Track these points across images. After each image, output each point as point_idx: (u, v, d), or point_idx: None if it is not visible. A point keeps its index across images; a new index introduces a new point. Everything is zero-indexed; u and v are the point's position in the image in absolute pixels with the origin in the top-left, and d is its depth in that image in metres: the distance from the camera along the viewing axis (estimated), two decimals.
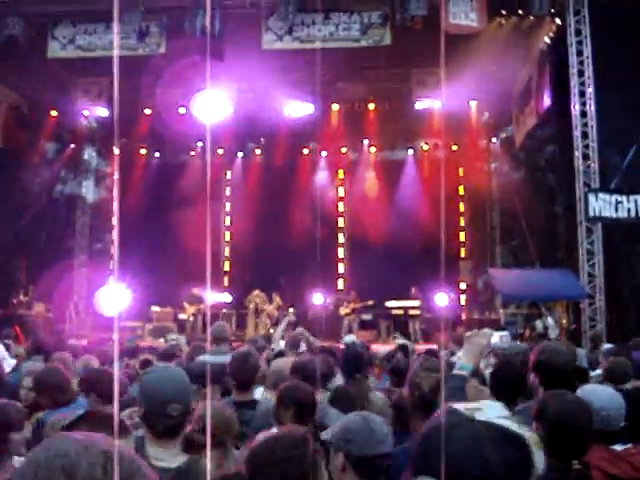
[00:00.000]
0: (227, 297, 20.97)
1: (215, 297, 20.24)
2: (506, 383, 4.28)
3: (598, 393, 3.62)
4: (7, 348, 8.27)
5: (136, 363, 7.23)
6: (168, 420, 2.99)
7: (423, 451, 1.50)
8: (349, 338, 10.76)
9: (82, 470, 1.18)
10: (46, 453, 1.21)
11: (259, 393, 5.13)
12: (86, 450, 1.22)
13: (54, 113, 20.96)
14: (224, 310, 20.33)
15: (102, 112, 20.61)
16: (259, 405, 4.76)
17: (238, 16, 15.16)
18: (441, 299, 18.30)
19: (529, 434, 1.53)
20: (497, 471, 1.41)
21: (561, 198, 18.63)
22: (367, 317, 19.95)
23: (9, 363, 7.45)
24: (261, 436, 2.66)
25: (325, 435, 3.00)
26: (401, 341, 10.65)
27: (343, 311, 19.72)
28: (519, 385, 4.33)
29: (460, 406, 1.59)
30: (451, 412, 1.55)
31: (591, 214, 14.62)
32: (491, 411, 1.59)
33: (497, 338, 3.81)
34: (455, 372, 3.57)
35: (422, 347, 10.63)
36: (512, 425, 1.53)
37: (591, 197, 14.60)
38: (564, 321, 16.62)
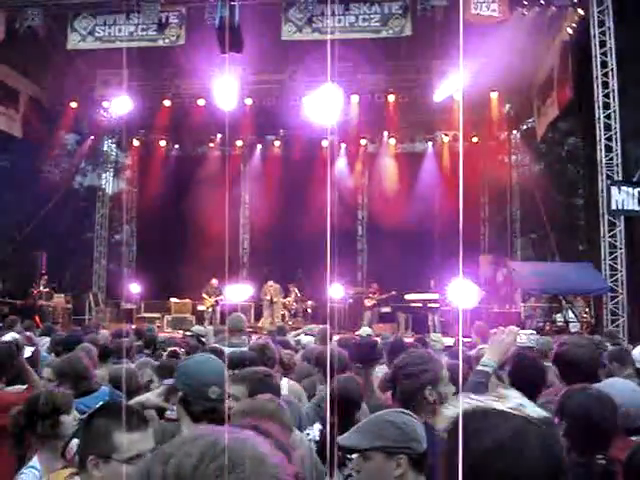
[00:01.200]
0: (245, 289, 20.97)
1: (233, 289, 20.28)
2: (525, 379, 4.21)
3: (619, 388, 3.54)
4: (29, 340, 8.26)
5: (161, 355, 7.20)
6: (208, 402, 3.07)
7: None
8: (365, 330, 10.71)
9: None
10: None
11: (284, 385, 5.09)
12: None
13: (74, 105, 20.98)
14: (242, 301, 20.34)
15: (122, 104, 20.62)
16: (283, 397, 4.72)
17: (257, 7, 15.09)
18: (462, 292, 18.19)
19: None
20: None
21: (582, 190, 18.49)
22: (386, 310, 19.89)
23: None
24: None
25: (375, 442, 2.84)
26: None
27: (369, 302, 19.68)
28: (539, 380, 4.26)
29: (501, 407, 1.60)
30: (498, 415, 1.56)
31: (613, 207, 14.46)
32: (527, 403, 1.64)
33: (524, 337, 3.76)
34: (479, 368, 3.52)
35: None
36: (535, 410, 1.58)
37: (614, 190, 14.44)
38: (585, 315, 16.48)
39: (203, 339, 8.23)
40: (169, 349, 6.30)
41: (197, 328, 9.77)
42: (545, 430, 1.52)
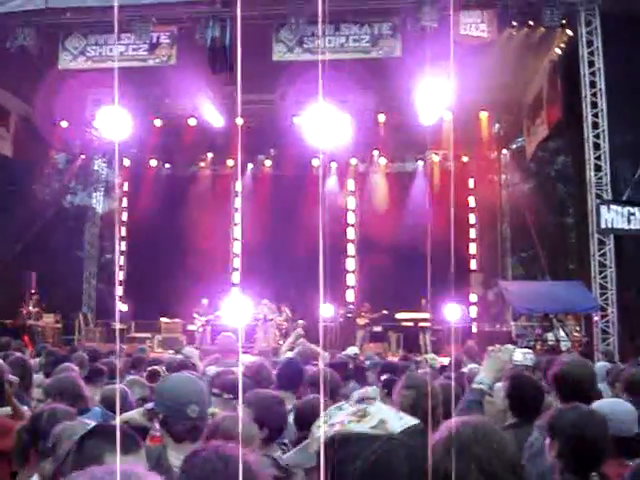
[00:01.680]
0: (237, 308, 20.91)
1: (225, 308, 20.22)
2: (523, 399, 4.20)
3: (609, 403, 3.57)
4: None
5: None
6: (188, 422, 3.08)
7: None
8: (352, 350, 10.68)
9: None
10: None
11: None
12: None
13: (64, 124, 20.97)
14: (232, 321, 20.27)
15: (112, 123, 20.61)
16: None
17: (248, 27, 15.09)
18: (451, 311, 18.20)
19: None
20: None
21: (572, 209, 18.57)
22: (377, 329, 19.86)
23: None
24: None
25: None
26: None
27: (362, 322, 19.65)
28: (537, 401, 4.24)
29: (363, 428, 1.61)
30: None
31: (603, 226, 14.52)
32: (391, 417, 1.63)
33: (520, 355, 3.76)
34: (474, 386, 3.51)
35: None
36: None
37: (603, 209, 14.50)
38: (576, 334, 16.49)
39: (195, 362, 8.18)
40: (149, 368, 6.23)
41: (188, 350, 9.70)
42: (409, 443, 1.50)
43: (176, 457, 2.97)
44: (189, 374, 3.62)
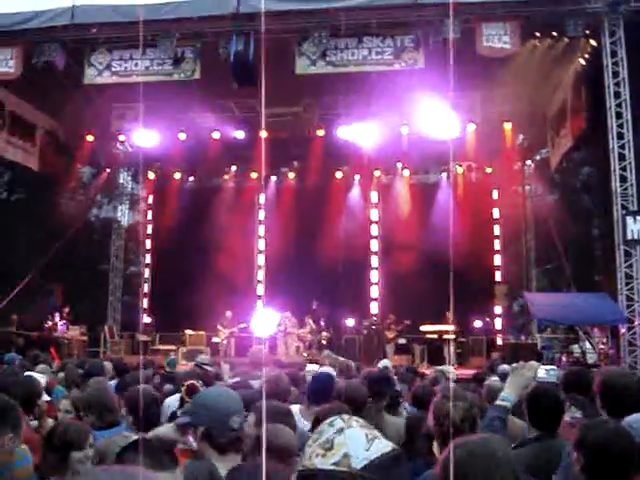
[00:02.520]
0: (261, 321, 20.98)
1: (250, 320, 20.29)
2: (543, 413, 4.17)
3: (638, 418, 3.53)
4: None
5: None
6: (231, 433, 3.12)
7: None
8: (384, 363, 10.63)
9: None
10: None
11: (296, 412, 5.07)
12: None
13: (90, 138, 21.21)
14: (257, 334, 20.32)
15: (137, 137, 20.82)
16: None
17: (271, 41, 15.23)
18: (476, 323, 18.12)
19: None
20: None
21: (598, 220, 18.42)
22: (402, 341, 19.79)
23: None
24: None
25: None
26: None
27: (391, 334, 19.58)
28: (557, 414, 4.22)
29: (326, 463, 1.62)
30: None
31: (629, 237, 14.38)
32: (356, 450, 1.63)
33: (543, 372, 3.75)
34: (498, 403, 3.50)
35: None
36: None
37: (629, 219, 14.38)
38: (602, 346, 16.33)
39: (209, 368, 8.18)
40: (186, 383, 6.25)
41: (202, 358, 9.70)
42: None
43: (222, 469, 3.00)
44: (224, 388, 3.66)
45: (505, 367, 8.70)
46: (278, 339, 19.55)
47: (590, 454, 2.91)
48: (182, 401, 5.29)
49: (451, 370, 8.84)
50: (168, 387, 6.79)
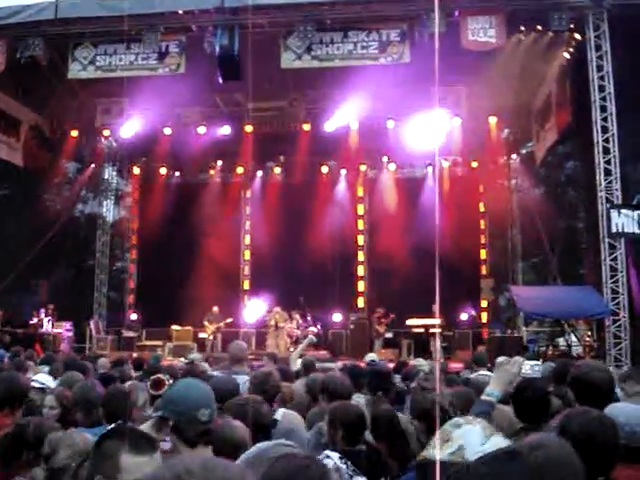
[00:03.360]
0: (247, 316, 20.98)
1: (236, 315, 20.27)
2: (529, 405, 4.20)
3: (622, 409, 3.54)
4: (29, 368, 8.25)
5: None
6: (199, 426, 3.08)
7: None
8: (370, 356, 10.67)
9: None
10: None
11: (280, 414, 5.06)
12: None
13: (74, 133, 21.12)
14: (244, 329, 20.30)
15: (122, 132, 20.73)
16: (279, 424, 4.71)
17: (257, 35, 15.20)
18: (462, 317, 18.18)
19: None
20: None
21: (583, 214, 18.51)
22: (388, 335, 19.82)
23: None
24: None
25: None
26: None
27: (381, 329, 19.61)
28: (543, 406, 4.24)
29: (444, 455, 1.62)
30: (443, 465, 1.57)
31: (614, 230, 14.46)
32: (473, 445, 1.63)
33: (528, 367, 3.77)
34: (483, 397, 3.51)
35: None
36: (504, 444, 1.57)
37: (613, 213, 14.45)
38: (588, 339, 16.43)
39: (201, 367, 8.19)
40: (152, 377, 6.22)
41: (195, 356, 9.73)
42: (480, 471, 1.48)
43: None
44: (193, 379, 3.63)
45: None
46: (269, 334, 19.55)
47: (573, 442, 2.91)
48: (152, 397, 5.29)
49: (424, 364, 8.85)
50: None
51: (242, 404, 4.06)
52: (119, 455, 2.32)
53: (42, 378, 6.32)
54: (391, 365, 9.73)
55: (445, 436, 1.71)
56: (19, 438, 3.58)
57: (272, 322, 19.41)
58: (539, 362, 4.00)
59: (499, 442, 1.67)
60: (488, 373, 7.01)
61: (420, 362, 10.11)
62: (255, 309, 20.75)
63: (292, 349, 18.65)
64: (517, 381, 3.87)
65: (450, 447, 1.65)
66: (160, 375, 5.83)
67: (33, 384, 6.08)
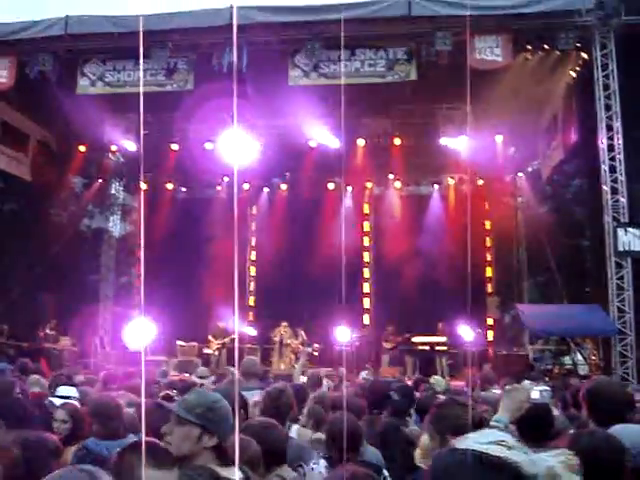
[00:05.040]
0: (252, 331, 20.93)
1: (241, 332, 20.24)
2: (531, 424, 4.19)
3: (628, 431, 3.53)
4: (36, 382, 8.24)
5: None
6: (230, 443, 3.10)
7: None
8: (363, 374, 10.67)
9: None
10: None
11: (294, 431, 5.07)
12: None
13: (82, 148, 21.23)
14: (249, 345, 20.26)
15: (130, 147, 20.83)
16: (290, 441, 4.71)
17: (265, 52, 15.30)
18: (468, 334, 18.11)
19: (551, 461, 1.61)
20: None
21: (589, 232, 18.47)
22: (394, 353, 19.79)
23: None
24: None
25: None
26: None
27: (389, 345, 19.59)
28: (546, 426, 4.23)
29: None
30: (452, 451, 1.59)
31: (620, 248, 14.45)
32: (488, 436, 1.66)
33: (537, 394, 3.75)
34: (491, 424, 3.51)
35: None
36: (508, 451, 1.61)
37: (620, 231, 14.45)
38: (594, 357, 16.37)
39: (205, 382, 8.21)
40: (161, 393, 6.24)
41: (200, 370, 9.74)
42: None
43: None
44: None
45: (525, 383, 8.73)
46: (274, 350, 19.53)
47: (581, 462, 2.91)
48: None
49: (439, 380, 8.84)
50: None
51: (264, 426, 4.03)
52: (140, 469, 2.33)
53: (66, 391, 6.33)
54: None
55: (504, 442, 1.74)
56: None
57: (277, 338, 19.39)
58: (548, 388, 3.97)
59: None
60: (499, 391, 7.02)
61: (438, 380, 10.12)
62: (252, 332, 20.70)
63: (296, 365, 18.65)
64: (526, 407, 3.85)
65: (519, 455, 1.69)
66: (168, 392, 5.86)
67: (54, 399, 6.11)
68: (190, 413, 3.10)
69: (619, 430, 3.48)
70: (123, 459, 2.44)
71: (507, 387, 3.82)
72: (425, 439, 4.11)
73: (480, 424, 3.49)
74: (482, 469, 1.55)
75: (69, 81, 16.66)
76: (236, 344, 20.18)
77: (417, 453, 4.36)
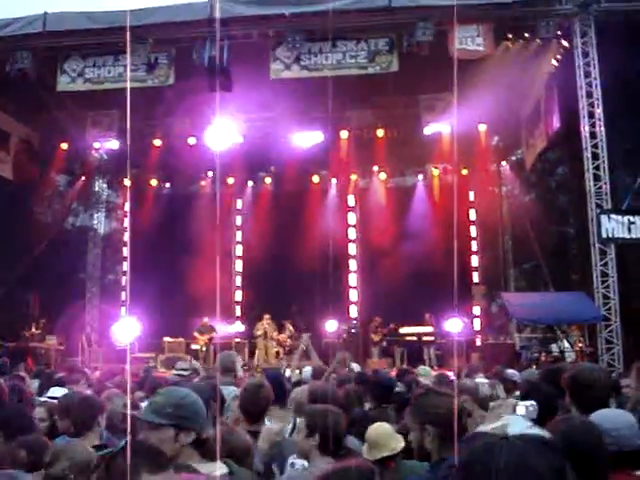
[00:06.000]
0: (239, 326, 20.91)
1: (227, 327, 20.20)
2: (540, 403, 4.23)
3: (607, 415, 3.53)
4: (22, 380, 8.20)
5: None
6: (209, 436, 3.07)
7: (470, 476, 1.51)
8: (355, 366, 10.65)
9: None
10: None
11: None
12: None
13: (64, 146, 21.09)
14: (236, 339, 20.23)
15: (112, 144, 20.70)
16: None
17: (246, 46, 15.24)
18: (455, 324, 18.16)
19: None
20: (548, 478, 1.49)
21: (573, 220, 18.55)
22: (384, 344, 19.81)
23: None
24: (326, 469, 2.63)
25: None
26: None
27: (377, 338, 19.60)
28: (549, 408, 4.24)
29: (486, 428, 1.66)
30: (482, 436, 1.59)
31: (604, 235, 14.50)
32: (518, 425, 1.67)
33: (523, 409, 3.75)
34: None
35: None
36: (543, 434, 1.62)
37: (603, 218, 14.50)
38: (580, 344, 16.44)
39: (185, 373, 8.18)
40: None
41: (180, 364, 9.69)
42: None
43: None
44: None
45: (510, 371, 8.77)
46: (258, 343, 19.51)
47: (559, 448, 2.91)
48: None
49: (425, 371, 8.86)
50: (138, 394, 6.75)
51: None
52: (136, 475, 2.24)
53: (57, 392, 6.28)
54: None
55: (494, 419, 1.77)
56: None
57: (259, 332, 19.37)
58: (534, 403, 3.97)
59: (539, 432, 1.72)
60: (485, 381, 7.05)
61: (425, 370, 10.13)
62: (236, 326, 20.74)
63: (284, 359, 18.63)
64: None
65: (494, 424, 1.71)
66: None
67: (45, 398, 6.08)
68: (159, 415, 3.03)
69: (600, 415, 3.49)
70: (112, 465, 2.33)
71: (492, 404, 3.83)
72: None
73: (460, 413, 3.48)
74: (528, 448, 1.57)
75: (49, 78, 16.54)
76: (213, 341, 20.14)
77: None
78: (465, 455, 1.54)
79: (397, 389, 6.37)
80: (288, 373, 10.57)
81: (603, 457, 2.96)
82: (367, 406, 6.12)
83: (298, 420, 3.90)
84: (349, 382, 6.71)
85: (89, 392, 6.04)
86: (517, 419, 1.70)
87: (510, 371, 8.80)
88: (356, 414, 5.45)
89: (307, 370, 8.07)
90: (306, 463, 3.76)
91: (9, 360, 11.61)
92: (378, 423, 4.63)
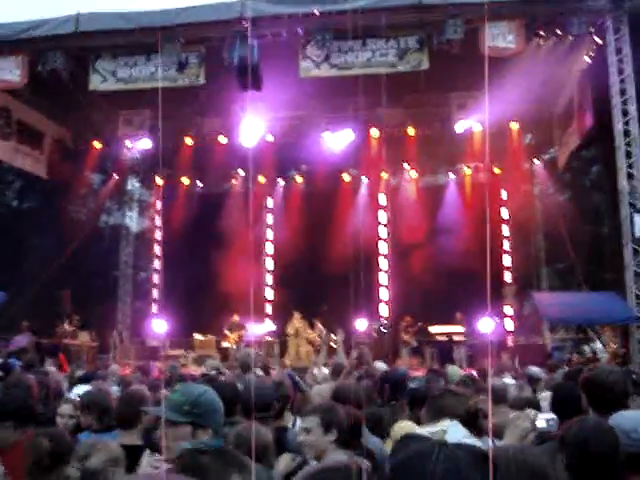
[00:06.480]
0: (270, 325, 20.96)
1: (257, 325, 20.26)
2: (563, 403, 4.23)
3: (627, 416, 3.47)
4: (46, 376, 8.30)
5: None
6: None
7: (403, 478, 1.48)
8: (380, 364, 10.59)
9: None
10: None
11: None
12: None
13: (97, 145, 21.30)
14: (267, 338, 20.28)
15: (144, 143, 20.87)
16: (289, 432, 4.70)
17: (275, 45, 15.27)
18: (486, 324, 18.02)
19: None
20: None
21: (607, 219, 18.30)
22: (415, 344, 19.72)
23: None
24: (309, 469, 2.61)
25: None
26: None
27: (407, 337, 19.53)
28: (576, 406, 4.22)
29: (423, 431, 1.62)
30: (417, 439, 1.55)
31: (637, 234, 14.29)
32: (456, 433, 1.64)
33: (543, 422, 3.70)
34: None
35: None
36: (480, 445, 1.56)
37: (637, 217, 14.28)
38: (613, 345, 16.22)
39: (213, 372, 8.21)
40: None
41: (210, 363, 9.73)
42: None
43: None
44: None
45: (534, 369, 8.71)
46: (289, 342, 19.52)
47: (571, 452, 2.87)
48: None
49: (454, 371, 8.78)
50: (164, 392, 6.78)
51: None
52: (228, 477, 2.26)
53: (82, 390, 6.34)
54: (418, 373, 9.70)
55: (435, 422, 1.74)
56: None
57: (291, 330, 19.37)
58: (555, 416, 3.92)
59: (476, 443, 1.67)
60: (512, 381, 6.99)
61: (454, 370, 10.05)
62: (268, 325, 20.84)
63: (314, 357, 18.62)
64: (531, 436, 3.78)
65: (434, 427, 1.67)
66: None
67: (72, 396, 6.14)
68: (177, 413, 3.04)
69: (620, 417, 3.44)
70: (202, 464, 2.32)
71: (511, 416, 3.79)
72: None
73: (475, 415, 3.44)
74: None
75: (82, 78, 16.71)
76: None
77: None
78: (400, 457, 1.51)
79: (412, 385, 6.32)
80: (315, 371, 10.56)
81: (617, 458, 2.91)
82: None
83: (304, 421, 3.85)
84: (364, 379, 6.71)
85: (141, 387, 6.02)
86: (457, 426, 1.67)
87: (534, 369, 8.73)
88: (368, 410, 5.44)
89: (324, 370, 8.08)
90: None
91: (40, 356, 11.73)
92: (405, 421, 4.61)
